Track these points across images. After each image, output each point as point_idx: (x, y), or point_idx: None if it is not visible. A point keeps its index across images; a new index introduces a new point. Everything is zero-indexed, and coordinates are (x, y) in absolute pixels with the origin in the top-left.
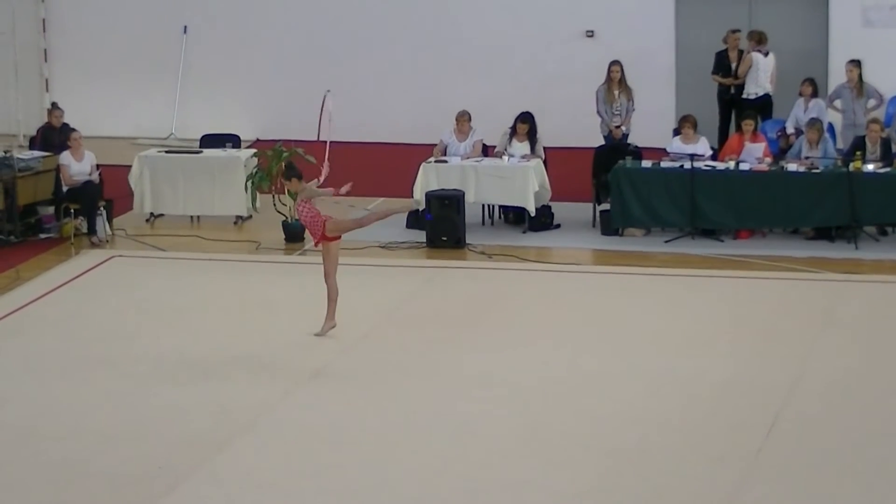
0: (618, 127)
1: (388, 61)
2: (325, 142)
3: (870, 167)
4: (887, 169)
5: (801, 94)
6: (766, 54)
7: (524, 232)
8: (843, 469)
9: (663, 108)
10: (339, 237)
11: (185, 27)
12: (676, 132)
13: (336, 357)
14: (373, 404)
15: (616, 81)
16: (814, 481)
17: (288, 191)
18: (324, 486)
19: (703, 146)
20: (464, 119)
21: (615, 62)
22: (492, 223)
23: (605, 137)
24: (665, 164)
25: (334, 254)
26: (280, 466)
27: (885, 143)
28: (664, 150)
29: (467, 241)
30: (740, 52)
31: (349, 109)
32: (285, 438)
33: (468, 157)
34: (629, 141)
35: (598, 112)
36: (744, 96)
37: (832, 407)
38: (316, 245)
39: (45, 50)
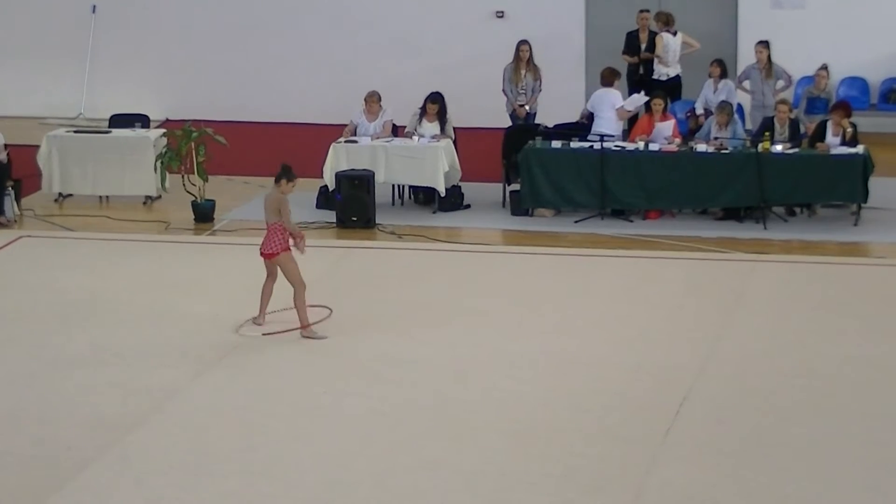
0: (522, 106)
1: (299, 42)
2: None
3: (778, 148)
4: (795, 150)
5: (710, 76)
6: (675, 34)
7: (434, 212)
8: (750, 449)
9: (574, 90)
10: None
11: (94, 7)
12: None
13: (245, 338)
14: (282, 386)
15: (524, 61)
16: (722, 462)
17: (282, 191)
18: (233, 469)
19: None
20: (373, 99)
21: (523, 41)
22: (402, 203)
23: (510, 116)
24: (574, 144)
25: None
26: (190, 448)
27: (794, 124)
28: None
29: (377, 222)
30: (651, 33)
31: (258, 90)
32: (195, 420)
33: (378, 138)
34: (537, 121)
35: (504, 91)
36: (654, 77)
37: (740, 387)
38: (264, 256)
39: None
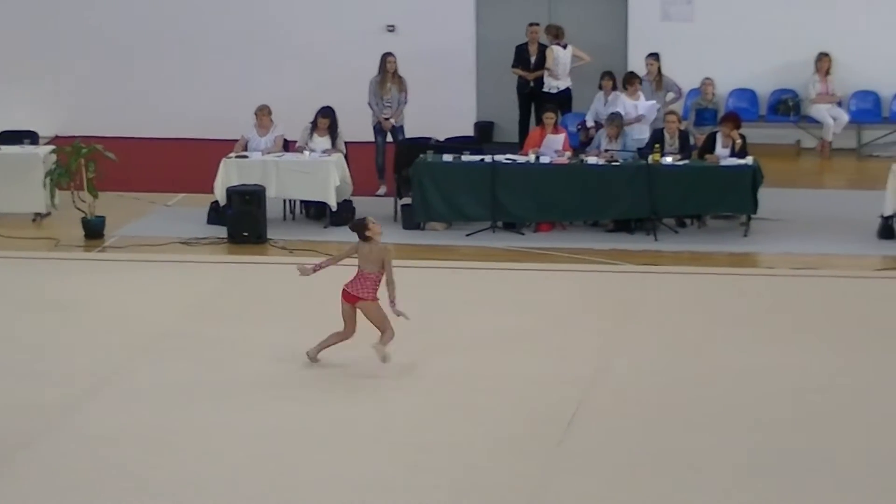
0: (387, 119)
1: (189, 57)
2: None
3: (668, 160)
4: (685, 161)
5: (600, 88)
6: (565, 47)
7: (325, 227)
8: (643, 459)
9: (464, 103)
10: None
11: None
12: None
13: (133, 357)
14: (171, 402)
15: (390, 73)
16: (615, 471)
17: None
18: (126, 486)
19: (643, 105)
20: (263, 113)
21: (389, 53)
22: (293, 218)
23: (374, 129)
24: (465, 158)
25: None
26: (81, 467)
27: (683, 136)
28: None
29: (269, 237)
30: (541, 46)
31: (149, 106)
32: (84, 439)
33: (269, 152)
34: (429, 135)
35: (369, 104)
36: (544, 90)
37: (631, 398)
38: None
39: None
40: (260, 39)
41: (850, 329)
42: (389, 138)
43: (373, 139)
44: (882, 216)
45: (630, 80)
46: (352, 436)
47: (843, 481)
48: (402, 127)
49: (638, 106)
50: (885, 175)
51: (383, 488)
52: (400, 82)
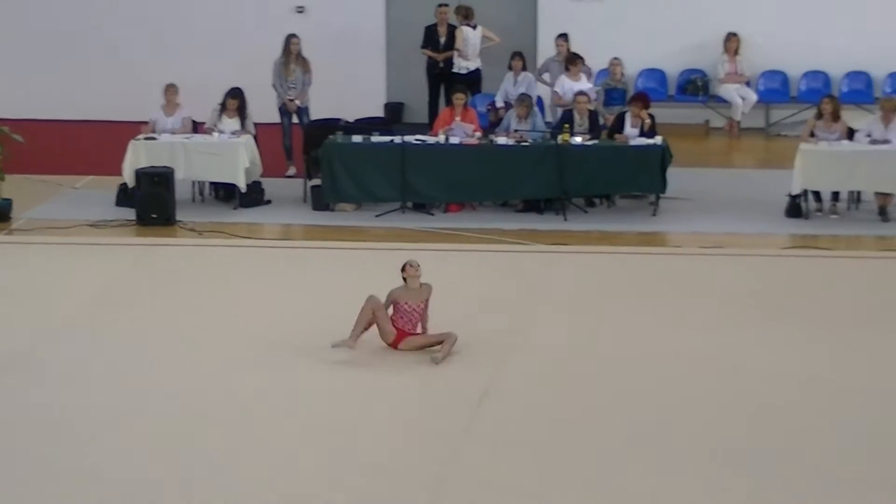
0: (292, 100)
1: (98, 38)
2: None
3: (578, 140)
4: (595, 141)
5: (510, 68)
6: (475, 28)
7: (235, 208)
8: (553, 439)
9: (375, 84)
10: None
11: None
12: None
13: (40, 340)
14: (78, 387)
15: (294, 55)
16: (524, 451)
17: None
18: (28, 475)
19: (584, 83)
20: (171, 92)
21: (293, 35)
22: (202, 200)
23: (280, 111)
24: (375, 139)
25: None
26: None
27: (593, 116)
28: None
29: (178, 218)
30: (450, 27)
31: (57, 87)
32: None
33: (178, 131)
34: (338, 116)
35: (273, 85)
36: (454, 71)
37: (543, 378)
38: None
39: None
40: (169, 21)
41: (758, 306)
42: (296, 119)
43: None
44: (789, 195)
45: (573, 61)
46: (258, 417)
47: (739, 455)
48: (307, 108)
49: (583, 87)
50: (793, 154)
51: (291, 469)
52: (304, 64)
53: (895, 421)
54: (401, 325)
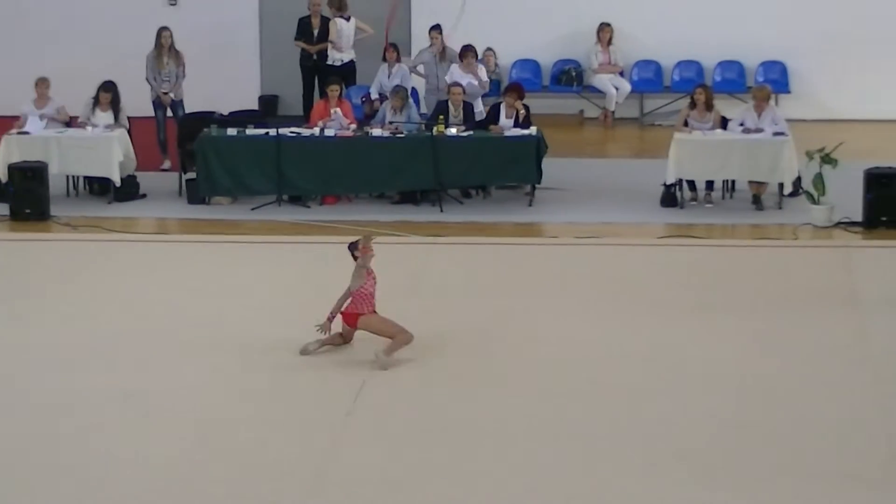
0: (166, 93)
1: None
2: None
3: (453, 131)
4: (470, 132)
5: (384, 60)
6: (349, 19)
7: (110, 202)
8: (432, 429)
9: (249, 76)
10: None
11: None
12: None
13: None
14: None
15: (166, 48)
16: (404, 442)
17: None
18: None
19: (482, 73)
20: (42, 87)
21: (164, 28)
22: (77, 194)
23: (153, 104)
24: (250, 131)
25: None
26: None
27: (468, 107)
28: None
29: (52, 213)
30: (323, 19)
31: None
32: None
33: (52, 119)
34: (212, 109)
35: (147, 79)
36: (328, 62)
37: (420, 369)
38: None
39: None
40: (39, 13)
41: (634, 295)
42: (170, 113)
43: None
44: (664, 184)
45: (464, 54)
46: (136, 412)
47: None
48: (181, 101)
49: (479, 79)
50: (667, 144)
51: (167, 465)
52: (176, 57)
53: (755, 405)
54: (365, 310)
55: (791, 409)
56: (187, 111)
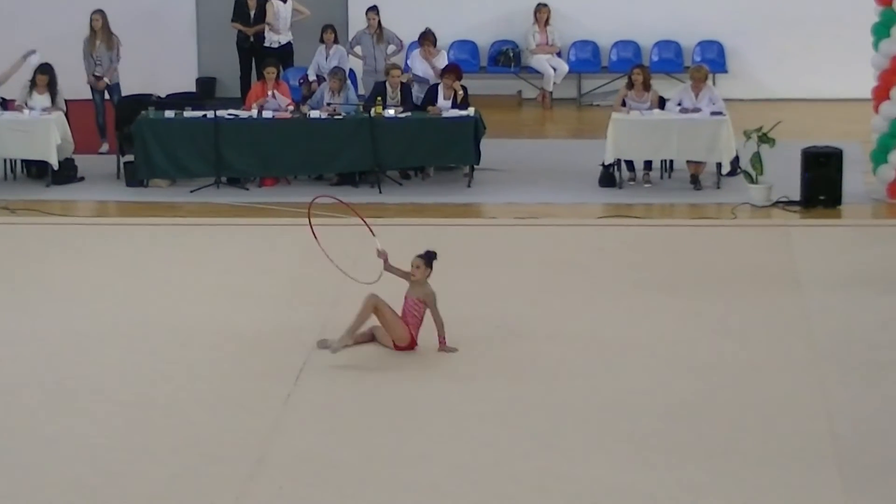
0: (99, 77)
1: None
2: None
3: (391, 112)
4: (407, 114)
5: (322, 42)
6: (285, 1)
7: (48, 186)
8: (371, 411)
9: (186, 59)
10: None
11: None
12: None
13: None
14: None
15: (98, 31)
16: (343, 425)
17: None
18: None
19: (442, 59)
20: None
21: (96, 11)
22: (14, 178)
23: (91, 88)
24: (188, 114)
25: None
26: None
27: (406, 89)
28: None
29: None
30: (260, 0)
31: None
32: None
33: None
34: (150, 92)
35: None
36: (265, 45)
37: (359, 351)
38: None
39: None
40: None
41: (573, 275)
42: (107, 96)
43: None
44: (602, 164)
45: (423, 40)
46: (75, 396)
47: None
48: (117, 85)
49: (435, 67)
50: (606, 124)
51: (112, 446)
52: (109, 40)
53: (695, 385)
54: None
55: (731, 388)
56: (125, 94)
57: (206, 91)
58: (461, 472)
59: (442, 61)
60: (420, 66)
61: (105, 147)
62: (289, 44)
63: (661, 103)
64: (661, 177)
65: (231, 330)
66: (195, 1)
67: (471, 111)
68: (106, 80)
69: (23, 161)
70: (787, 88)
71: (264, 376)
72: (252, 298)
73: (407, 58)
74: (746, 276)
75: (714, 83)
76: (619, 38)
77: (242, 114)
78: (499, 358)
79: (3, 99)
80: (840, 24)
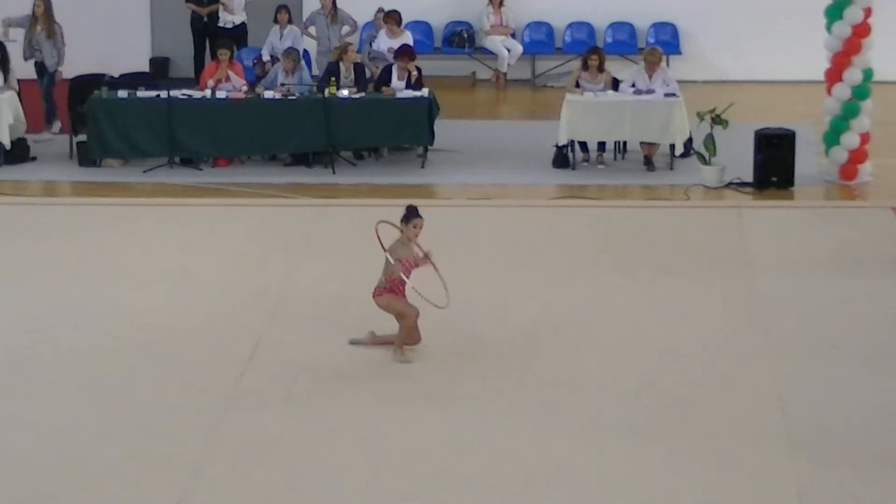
0: (38, 62)
1: None
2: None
3: (345, 93)
4: (362, 94)
5: (276, 22)
6: None
7: (0, 165)
8: (321, 393)
9: (139, 39)
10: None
11: None
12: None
13: None
14: None
15: (39, 17)
16: (293, 406)
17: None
18: None
19: (407, 39)
20: None
21: None
22: None
23: (36, 71)
24: (141, 93)
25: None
26: None
27: (359, 69)
28: None
29: None
30: None
31: None
32: None
33: None
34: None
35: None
36: (219, 25)
37: (311, 329)
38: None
39: None
40: None
41: (526, 256)
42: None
43: None
44: (556, 146)
45: (388, 18)
46: (30, 376)
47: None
48: (53, 74)
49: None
50: (559, 105)
51: (66, 427)
52: (51, 28)
53: (649, 366)
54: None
55: (682, 368)
56: (78, 74)
57: (159, 71)
58: (413, 453)
59: (407, 41)
60: (385, 45)
61: (58, 126)
62: (243, 24)
63: (615, 85)
64: (615, 158)
65: (183, 310)
66: None
67: (425, 92)
68: (60, 69)
69: None
70: (740, 70)
71: (217, 356)
72: (204, 278)
73: (363, 36)
74: (699, 257)
75: (668, 65)
76: (574, 19)
77: (196, 94)
78: (449, 339)
79: None
80: (793, 6)
